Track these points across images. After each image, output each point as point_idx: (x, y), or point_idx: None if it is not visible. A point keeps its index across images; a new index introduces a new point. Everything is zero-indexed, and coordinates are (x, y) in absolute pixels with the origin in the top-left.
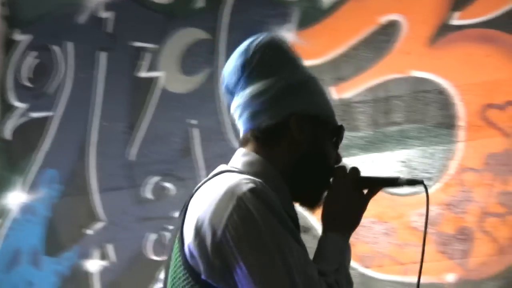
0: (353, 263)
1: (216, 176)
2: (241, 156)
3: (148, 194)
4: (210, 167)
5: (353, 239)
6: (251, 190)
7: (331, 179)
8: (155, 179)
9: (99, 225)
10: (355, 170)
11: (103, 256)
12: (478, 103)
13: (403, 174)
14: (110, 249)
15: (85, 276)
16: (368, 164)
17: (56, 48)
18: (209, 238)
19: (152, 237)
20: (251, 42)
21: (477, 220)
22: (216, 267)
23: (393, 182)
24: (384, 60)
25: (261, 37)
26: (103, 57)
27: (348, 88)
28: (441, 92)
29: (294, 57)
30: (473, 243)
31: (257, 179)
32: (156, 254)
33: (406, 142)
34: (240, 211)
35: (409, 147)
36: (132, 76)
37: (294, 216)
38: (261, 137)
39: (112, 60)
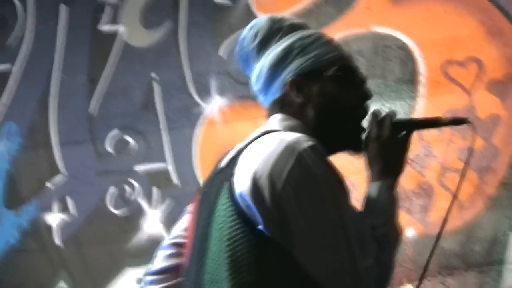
0: None
1: (268, 134)
2: (280, 121)
3: (109, 148)
4: (171, 121)
5: None
6: (311, 147)
7: (364, 119)
8: (116, 132)
9: (59, 179)
10: (391, 114)
11: (63, 210)
12: (439, 59)
13: None
14: (70, 202)
15: (45, 229)
16: None
17: (16, 1)
18: (268, 190)
19: (113, 190)
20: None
21: (437, 176)
22: (274, 219)
23: (436, 122)
24: (346, 16)
25: (252, 23)
26: (64, 10)
27: None
28: (401, 48)
29: (280, 27)
30: (432, 198)
31: (313, 138)
32: (116, 207)
33: None
34: (301, 166)
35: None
36: (94, 30)
37: None
38: (279, 109)
39: (73, 13)
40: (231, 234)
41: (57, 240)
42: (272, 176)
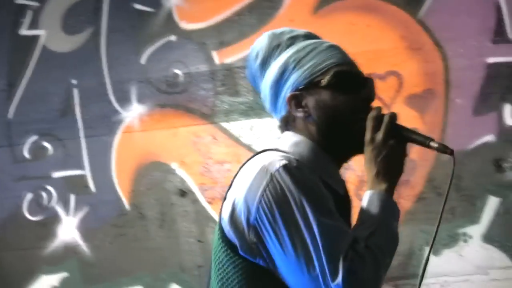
0: None
1: (258, 155)
2: (285, 139)
3: (26, 153)
4: (89, 127)
5: None
6: (284, 167)
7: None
8: (34, 138)
9: None
10: (390, 117)
11: None
12: None
13: None
14: None
15: None
16: (247, 129)
17: None
18: (244, 215)
19: (29, 196)
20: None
21: (355, 188)
22: (252, 243)
23: (424, 142)
24: (268, 27)
25: (254, 43)
26: None
27: (230, 53)
28: None
29: (278, 43)
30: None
31: (291, 156)
32: (32, 214)
33: None
34: (273, 188)
35: None
36: (13, 34)
37: (335, 184)
38: (285, 126)
39: None
40: (220, 259)
41: None
42: (247, 201)
